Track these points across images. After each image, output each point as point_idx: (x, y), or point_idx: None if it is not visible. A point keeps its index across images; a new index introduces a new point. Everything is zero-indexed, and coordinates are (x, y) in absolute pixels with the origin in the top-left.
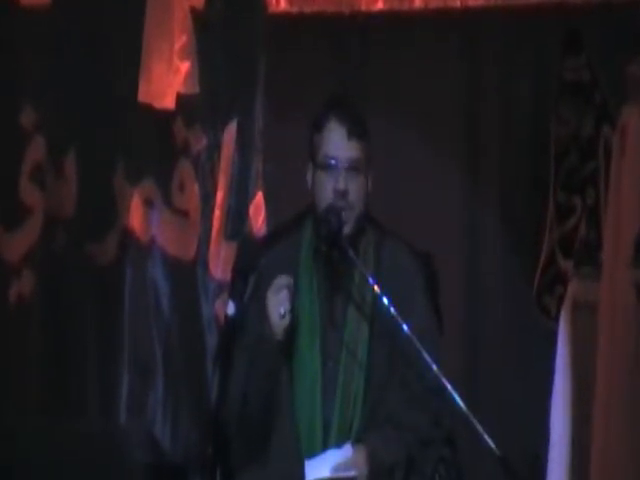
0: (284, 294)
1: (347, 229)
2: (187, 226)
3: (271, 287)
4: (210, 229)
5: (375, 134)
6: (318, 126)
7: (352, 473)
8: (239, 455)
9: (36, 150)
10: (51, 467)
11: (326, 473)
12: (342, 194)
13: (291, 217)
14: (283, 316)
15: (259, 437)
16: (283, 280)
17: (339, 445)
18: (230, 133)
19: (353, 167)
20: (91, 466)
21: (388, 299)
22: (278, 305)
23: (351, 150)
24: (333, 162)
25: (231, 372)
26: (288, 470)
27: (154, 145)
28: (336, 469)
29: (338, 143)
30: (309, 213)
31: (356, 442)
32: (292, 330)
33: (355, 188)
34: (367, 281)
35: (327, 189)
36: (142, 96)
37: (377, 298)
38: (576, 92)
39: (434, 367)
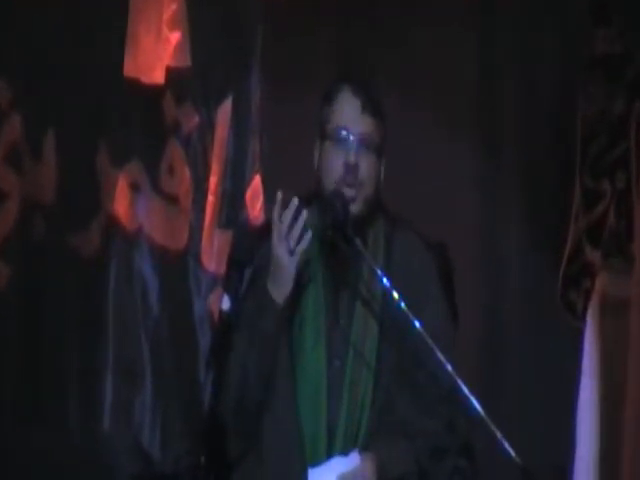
0: (299, 223)
1: (355, 209)
2: (177, 213)
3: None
4: (203, 216)
5: (386, 116)
6: (329, 98)
7: None
8: (235, 464)
9: (12, 130)
10: (27, 472)
11: None
12: (353, 168)
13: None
14: (292, 252)
15: (257, 442)
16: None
17: (345, 452)
18: (224, 111)
19: (365, 142)
20: (73, 477)
21: (399, 293)
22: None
23: (364, 124)
24: (344, 133)
25: (226, 373)
26: (289, 478)
27: (141, 124)
28: (342, 479)
29: (351, 114)
30: (313, 197)
31: (363, 449)
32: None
33: (366, 165)
34: (376, 274)
35: (336, 163)
36: (128, 70)
37: (387, 292)
38: (606, 66)
39: (448, 368)
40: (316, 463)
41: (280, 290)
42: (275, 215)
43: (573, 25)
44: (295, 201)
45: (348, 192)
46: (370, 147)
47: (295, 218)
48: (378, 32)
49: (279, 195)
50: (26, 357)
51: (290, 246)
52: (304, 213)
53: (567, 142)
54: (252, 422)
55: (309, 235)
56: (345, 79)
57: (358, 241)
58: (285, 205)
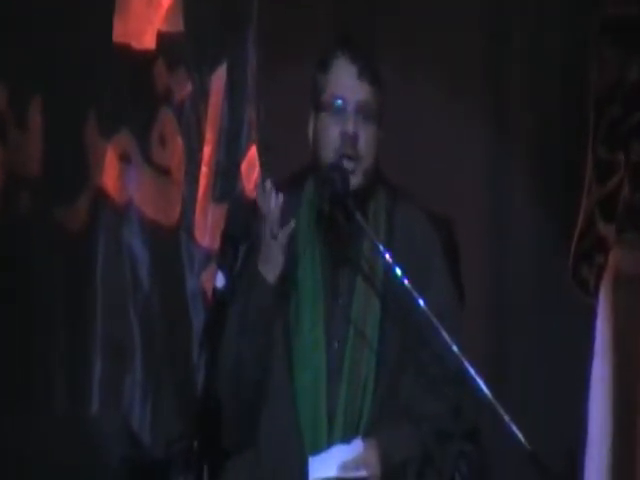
0: (276, 206)
1: (354, 182)
2: (169, 186)
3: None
4: (196, 189)
5: (386, 84)
6: (324, 65)
7: (362, 473)
8: (230, 450)
9: None
10: (11, 462)
11: (332, 472)
12: (351, 139)
13: (290, 175)
14: (275, 236)
15: (253, 429)
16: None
17: (346, 439)
18: (219, 78)
19: (363, 111)
20: (58, 462)
21: (401, 270)
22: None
23: (361, 92)
24: (340, 102)
25: (220, 353)
26: (287, 468)
27: (131, 92)
28: (344, 468)
29: (347, 82)
30: (310, 171)
31: (366, 435)
32: (287, 266)
33: (365, 136)
34: (377, 249)
35: (333, 134)
36: (117, 35)
37: (389, 269)
38: (620, 29)
39: (454, 349)
40: (317, 450)
41: (271, 269)
42: (259, 199)
43: None
44: (269, 184)
45: (347, 164)
46: (368, 116)
47: (272, 201)
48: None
49: (268, 184)
50: (10, 336)
51: (272, 230)
52: (280, 196)
53: (579, 111)
54: (248, 409)
55: (292, 224)
56: (341, 46)
57: (359, 215)
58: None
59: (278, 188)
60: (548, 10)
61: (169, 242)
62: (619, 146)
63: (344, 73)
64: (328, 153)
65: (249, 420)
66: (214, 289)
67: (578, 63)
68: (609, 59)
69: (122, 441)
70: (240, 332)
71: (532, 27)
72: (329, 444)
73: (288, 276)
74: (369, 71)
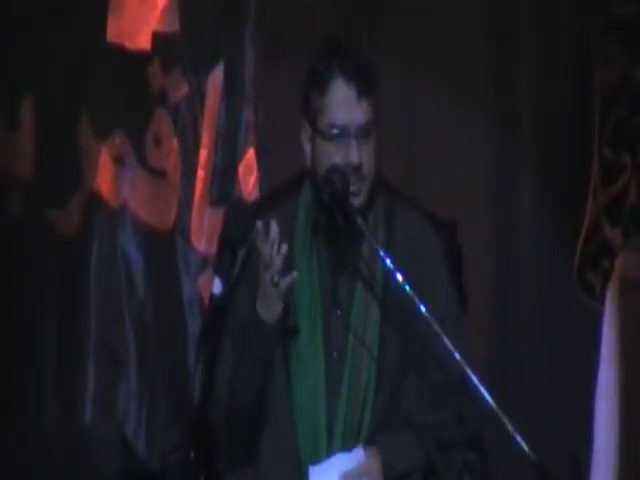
0: (281, 254)
1: (359, 201)
2: (164, 189)
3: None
4: (192, 192)
5: (386, 83)
6: (319, 85)
7: None
8: (227, 460)
9: None
10: (2, 472)
11: None
12: (356, 168)
13: (287, 179)
14: (276, 284)
15: (250, 439)
16: (274, 231)
17: (346, 448)
18: (215, 79)
19: (365, 132)
20: (51, 472)
21: (402, 276)
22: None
23: (362, 114)
24: (341, 131)
25: (217, 361)
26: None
27: (126, 93)
28: (345, 477)
29: (346, 108)
30: (306, 177)
31: (367, 444)
32: (286, 308)
33: (368, 157)
34: (377, 255)
35: (329, 158)
36: (111, 35)
37: (389, 275)
38: (625, 29)
39: (457, 356)
40: (316, 461)
41: (269, 312)
42: (259, 242)
43: None
44: (274, 228)
45: (352, 189)
46: (370, 132)
47: (275, 249)
48: None
49: (274, 228)
50: (1, 341)
51: (274, 277)
52: (284, 247)
53: (584, 112)
54: (244, 426)
55: (294, 275)
56: (333, 56)
57: (359, 219)
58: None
59: (273, 196)
60: (552, 9)
61: (164, 246)
62: (625, 147)
63: (343, 98)
64: (320, 175)
65: (246, 436)
66: (211, 295)
67: (583, 63)
68: (614, 59)
69: (116, 451)
70: (236, 365)
71: (536, 27)
72: (328, 455)
73: (287, 317)
74: (368, 82)
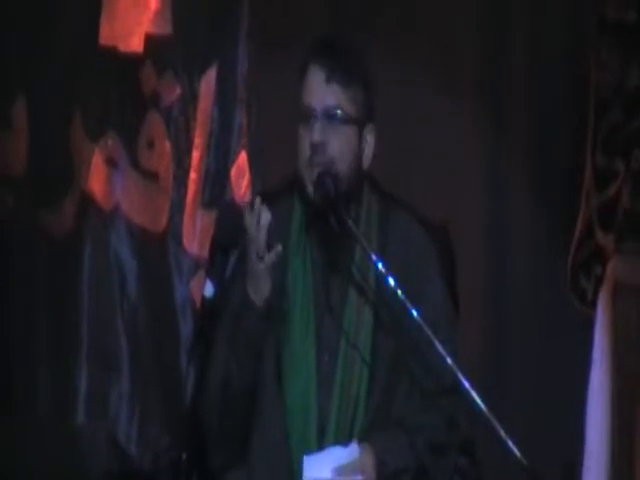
0: (263, 226)
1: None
2: (157, 191)
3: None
4: (184, 195)
5: (380, 84)
6: (300, 73)
7: (358, 478)
8: (219, 462)
9: None
10: None
11: (327, 474)
12: (318, 147)
13: (280, 182)
14: (262, 258)
15: (242, 441)
16: (258, 204)
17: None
18: (208, 81)
19: (332, 115)
20: (43, 473)
21: (395, 279)
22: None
23: (330, 97)
24: (309, 113)
25: (209, 364)
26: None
27: (118, 95)
28: (339, 471)
29: (315, 89)
30: (298, 178)
31: (362, 442)
32: (275, 291)
33: (336, 141)
34: (370, 258)
35: (305, 144)
36: (104, 37)
37: (382, 278)
38: (620, 34)
39: (449, 360)
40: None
41: (258, 293)
42: (246, 216)
43: None
44: (258, 201)
45: (315, 170)
46: (341, 119)
47: (259, 221)
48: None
49: (258, 201)
50: None
51: (258, 251)
52: (268, 217)
53: (578, 116)
54: (237, 425)
55: (279, 247)
56: (314, 48)
57: (351, 222)
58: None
59: (267, 199)
60: (546, 13)
61: (157, 248)
62: (618, 153)
63: (313, 80)
64: (301, 164)
65: (238, 436)
66: (203, 298)
67: (578, 67)
68: (609, 63)
69: (108, 452)
70: (229, 354)
71: (530, 31)
72: None
73: (277, 303)
74: (340, 73)
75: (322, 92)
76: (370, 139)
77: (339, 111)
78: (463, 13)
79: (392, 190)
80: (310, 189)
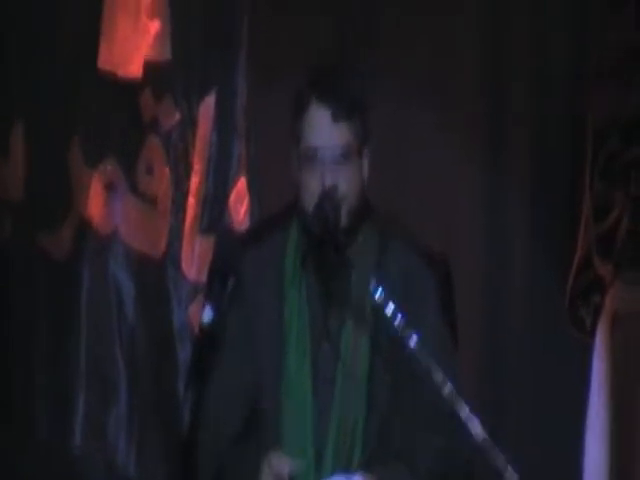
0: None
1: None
2: (156, 216)
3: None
4: (183, 220)
5: (379, 112)
6: (298, 109)
7: None
8: None
9: None
10: None
11: None
12: (330, 191)
13: (278, 209)
14: None
15: (239, 468)
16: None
17: None
18: (207, 107)
19: (342, 155)
20: None
21: (393, 309)
22: None
23: (338, 136)
24: (317, 153)
25: (206, 390)
26: None
27: (117, 120)
28: None
29: (321, 130)
30: (296, 208)
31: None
32: None
33: (346, 180)
34: (367, 286)
35: (312, 186)
36: (103, 62)
37: (379, 308)
38: (619, 60)
39: (448, 388)
40: None
41: None
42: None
43: (587, 12)
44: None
45: (328, 215)
46: (349, 156)
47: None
48: (374, 28)
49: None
50: None
51: None
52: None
53: (576, 143)
54: (233, 458)
55: None
56: (312, 83)
57: (349, 252)
58: None
59: (263, 228)
60: (546, 39)
61: (155, 274)
62: (617, 182)
63: (318, 120)
64: (310, 204)
65: (234, 463)
66: (200, 325)
67: (577, 94)
68: (607, 91)
69: (106, 477)
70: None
71: (529, 58)
72: None
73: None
74: (345, 106)
75: (329, 132)
76: (365, 162)
77: (347, 149)
78: (462, 35)
79: (390, 217)
80: (310, 218)
